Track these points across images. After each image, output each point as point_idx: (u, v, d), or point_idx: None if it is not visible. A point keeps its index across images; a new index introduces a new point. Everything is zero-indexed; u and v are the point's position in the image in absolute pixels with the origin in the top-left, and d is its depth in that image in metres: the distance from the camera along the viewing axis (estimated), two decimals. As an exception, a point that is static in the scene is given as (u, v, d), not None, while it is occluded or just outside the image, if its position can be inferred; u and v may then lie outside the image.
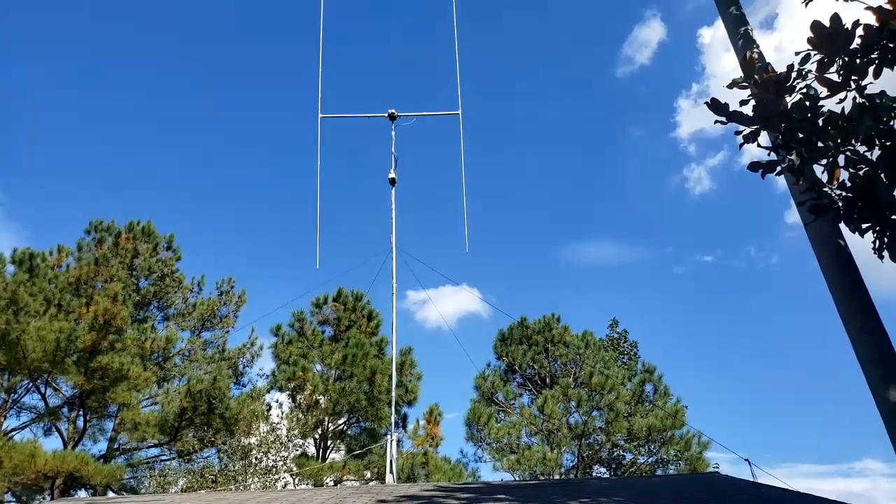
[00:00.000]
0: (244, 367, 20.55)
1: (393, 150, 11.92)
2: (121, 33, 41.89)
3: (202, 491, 15.27)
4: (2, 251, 17.21)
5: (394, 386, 12.99)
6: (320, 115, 12.00)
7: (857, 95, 3.95)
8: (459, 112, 12.10)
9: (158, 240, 20.32)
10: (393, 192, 12.01)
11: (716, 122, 4.22)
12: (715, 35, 41.08)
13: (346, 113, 12.99)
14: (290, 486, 16.88)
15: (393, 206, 11.91)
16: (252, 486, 16.28)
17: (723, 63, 38.80)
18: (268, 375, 20.33)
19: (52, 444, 21.29)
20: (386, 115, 11.94)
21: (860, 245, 4.69)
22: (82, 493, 15.63)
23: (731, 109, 4.25)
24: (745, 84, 4.19)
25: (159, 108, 43.79)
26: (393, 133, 11.94)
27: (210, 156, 44.40)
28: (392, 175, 12.14)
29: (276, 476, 17.08)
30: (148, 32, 42.49)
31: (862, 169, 4.27)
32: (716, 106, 4.18)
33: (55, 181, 41.31)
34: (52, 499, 14.24)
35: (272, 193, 45.72)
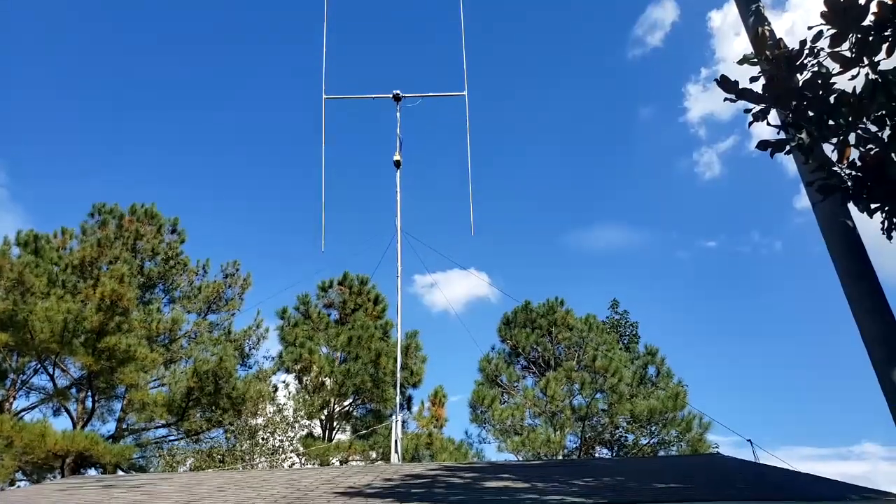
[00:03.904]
0: (250, 350, 20.74)
1: (398, 131, 11.89)
2: (126, 18, 41.54)
3: (210, 470, 15.49)
4: (6, 233, 17.33)
5: (398, 368, 13.12)
6: (324, 97, 11.95)
7: (869, 72, 3.89)
8: (465, 93, 12.03)
9: (162, 222, 20.38)
10: (398, 174, 12.00)
11: (725, 99, 4.17)
12: (725, 19, 40.44)
13: (351, 94, 12.93)
14: (297, 466, 17.10)
15: (398, 189, 11.92)
16: (259, 465, 16.50)
17: (733, 46, 38.23)
18: (274, 357, 20.54)
19: (62, 423, 21.56)
20: (391, 95, 11.87)
21: (867, 227, 4.67)
22: (92, 472, 15.89)
23: (741, 87, 4.19)
24: (755, 60, 4.13)
25: (161, 91, 43.57)
26: (398, 114, 11.90)
27: (213, 138, 44.26)
28: (397, 157, 12.11)
29: (283, 456, 17.31)
30: (152, 18, 42.10)
31: (873, 150, 4.23)
32: (725, 83, 4.13)
33: (58, 165, 41.33)
34: (63, 477, 14.47)
35: (276, 176, 45.63)
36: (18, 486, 14.96)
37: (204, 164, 43.21)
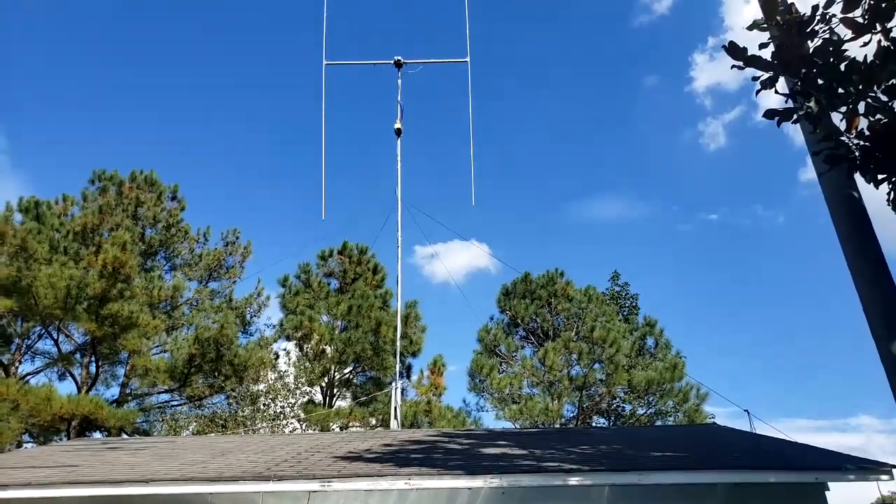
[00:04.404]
0: (251, 317, 20.89)
1: (399, 98, 11.72)
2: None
3: (212, 434, 15.78)
4: (8, 200, 17.30)
5: (398, 336, 13.22)
6: (325, 62, 11.76)
7: (882, 39, 3.79)
8: (468, 59, 11.83)
9: (162, 189, 20.29)
10: (399, 142, 11.88)
11: (733, 66, 4.07)
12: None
13: (352, 60, 12.71)
14: (298, 432, 17.40)
15: (398, 157, 11.81)
16: (261, 431, 16.79)
17: (743, 14, 37.38)
18: (275, 325, 20.71)
19: (67, 388, 21.91)
20: (392, 62, 11.66)
21: (872, 198, 4.62)
22: (97, 436, 16.18)
23: (749, 54, 4.09)
24: (765, 26, 4.02)
25: (161, 59, 42.87)
26: (399, 81, 11.72)
27: (213, 106, 43.76)
28: (398, 125, 11.97)
29: (284, 422, 17.60)
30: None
31: (882, 119, 4.15)
32: (733, 49, 4.02)
33: (58, 130, 40.97)
34: (69, 440, 14.75)
35: (277, 144, 45.26)
36: (25, 448, 15.28)
37: (204, 131, 42.82)
